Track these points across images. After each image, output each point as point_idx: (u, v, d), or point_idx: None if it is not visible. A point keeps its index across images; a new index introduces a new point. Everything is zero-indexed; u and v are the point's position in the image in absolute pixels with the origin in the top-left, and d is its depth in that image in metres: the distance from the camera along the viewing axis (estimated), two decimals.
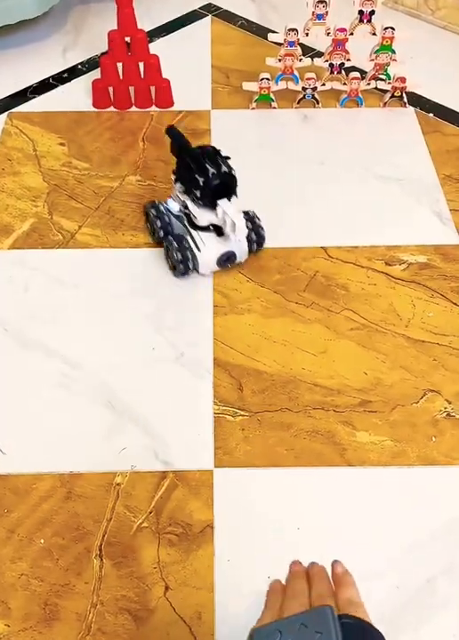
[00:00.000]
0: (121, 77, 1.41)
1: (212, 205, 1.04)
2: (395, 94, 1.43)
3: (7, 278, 1.13)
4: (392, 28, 1.33)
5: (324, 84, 1.42)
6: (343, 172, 1.32)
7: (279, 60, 1.38)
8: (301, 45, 1.39)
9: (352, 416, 0.95)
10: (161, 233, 1.13)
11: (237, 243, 1.07)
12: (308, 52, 1.50)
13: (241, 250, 1.10)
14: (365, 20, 1.32)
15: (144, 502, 0.86)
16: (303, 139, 1.38)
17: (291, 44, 1.35)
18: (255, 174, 1.31)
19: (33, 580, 0.80)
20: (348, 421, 0.95)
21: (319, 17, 1.31)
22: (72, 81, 1.53)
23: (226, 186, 1.03)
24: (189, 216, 1.08)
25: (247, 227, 1.10)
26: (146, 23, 1.67)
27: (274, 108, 1.45)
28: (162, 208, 1.13)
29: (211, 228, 1.07)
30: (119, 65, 1.40)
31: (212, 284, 1.12)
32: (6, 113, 1.44)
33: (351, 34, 1.34)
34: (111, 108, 1.45)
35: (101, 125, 1.42)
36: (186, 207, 1.07)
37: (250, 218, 1.12)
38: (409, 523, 0.85)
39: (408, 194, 1.27)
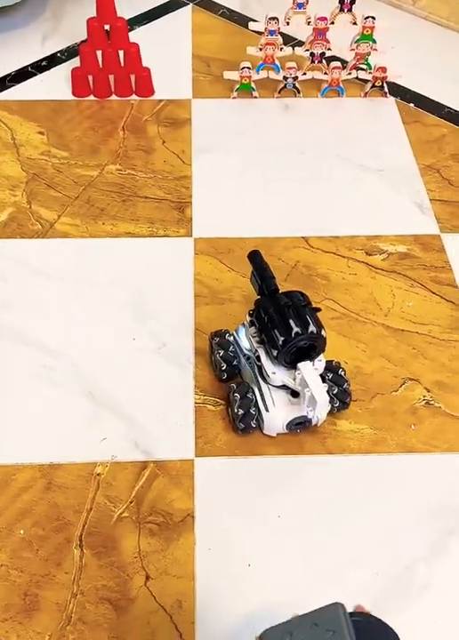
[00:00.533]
0: (101, 66, 1.40)
1: (291, 365, 0.84)
2: (376, 84, 1.43)
3: None
4: (373, 18, 1.32)
5: (305, 74, 1.42)
6: (324, 162, 1.32)
7: (260, 49, 1.38)
8: (283, 34, 1.38)
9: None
10: (224, 375, 0.94)
11: (317, 416, 0.87)
12: (289, 41, 1.49)
13: (318, 416, 0.89)
14: (345, 10, 1.32)
15: (125, 492, 0.86)
16: (284, 128, 1.38)
17: (271, 32, 1.35)
18: (236, 163, 1.31)
19: (13, 571, 0.80)
20: (329, 410, 0.95)
21: (300, 6, 1.31)
22: (51, 69, 1.51)
23: (311, 347, 0.84)
24: (261, 368, 0.89)
25: (330, 381, 0.90)
26: (126, 11, 1.65)
27: (255, 97, 1.45)
28: (231, 348, 0.94)
29: (284, 386, 0.88)
30: (99, 53, 1.38)
31: (192, 273, 1.11)
32: None
33: (332, 23, 1.33)
34: (91, 97, 1.44)
35: (81, 114, 1.40)
36: (259, 358, 0.88)
37: (334, 372, 0.92)
38: (389, 510, 0.85)
39: (389, 184, 1.28)
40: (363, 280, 1.11)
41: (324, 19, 1.32)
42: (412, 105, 1.45)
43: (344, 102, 1.45)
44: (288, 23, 1.34)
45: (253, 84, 1.43)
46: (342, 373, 0.92)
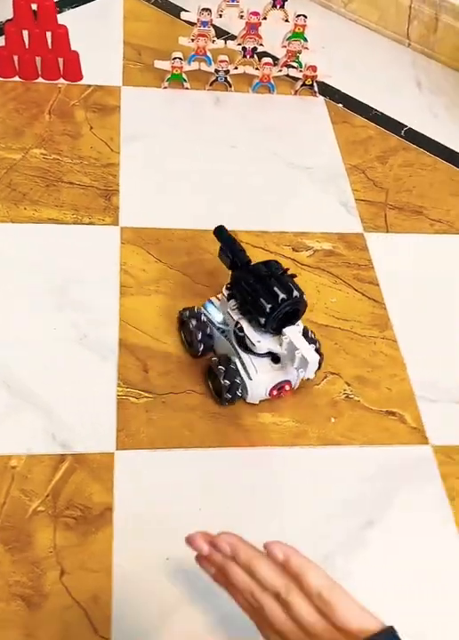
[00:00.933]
0: (27, 47, 1.35)
1: (276, 332, 0.88)
2: (306, 83, 1.45)
3: None
4: (305, 16, 1.34)
5: (236, 68, 1.42)
6: (254, 157, 1.33)
7: (192, 40, 1.37)
8: (215, 27, 1.38)
9: None
10: (201, 347, 0.97)
11: (301, 375, 0.88)
12: (222, 34, 1.49)
13: (297, 378, 0.93)
14: (278, 6, 1.32)
15: (41, 486, 0.83)
16: (215, 121, 1.38)
17: (204, 24, 1.34)
18: (166, 154, 1.30)
19: None
20: (252, 403, 0.95)
21: None
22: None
23: (295, 312, 0.87)
24: (242, 338, 0.91)
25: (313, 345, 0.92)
26: None
27: (186, 88, 1.43)
28: (203, 318, 0.97)
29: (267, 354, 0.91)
30: (25, 33, 1.33)
31: (118, 262, 1.09)
32: None
33: (264, 18, 1.34)
34: (16, 78, 1.39)
35: (5, 95, 1.35)
36: (241, 329, 0.90)
37: (305, 335, 0.92)
38: (309, 501, 0.86)
39: (316, 182, 1.29)
40: None
41: (256, 13, 1.32)
42: (341, 105, 1.47)
43: (275, 99, 1.46)
44: (221, 16, 1.33)
45: (184, 75, 1.42)
46: (313, 335, 0.96)
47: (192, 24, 1.37)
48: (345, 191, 1.28)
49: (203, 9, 1.32)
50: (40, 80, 1.39)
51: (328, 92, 1.49)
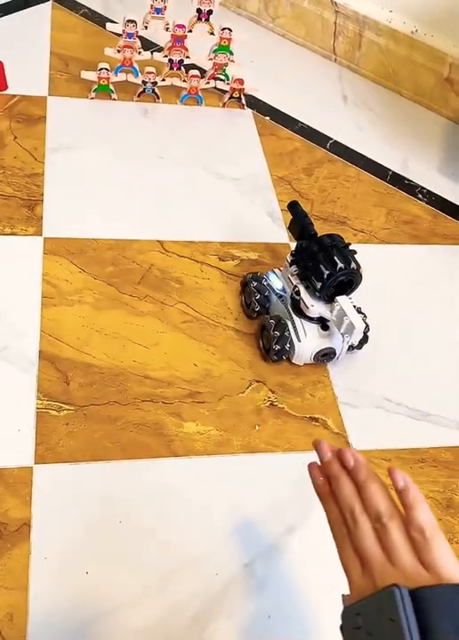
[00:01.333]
0: None
1: (329, 299, 0.97)
2: (234, 95, 1.46)
3: None
4: (229, 30, 1.35)
5: (164, 80, 1.42)
6: (182, 169, 1.33)
7: (118, 51, 1.36)
8: (143, 39, 1.38)
9: (181, 407, 0.96)
10: (257, 307, 1.05)
11: (342, 341, 0.98)
12: (150, 46, 1.49)
13: (342, 347, 1.01)
14: (203, 19, 1.33)
15: None
16: (143, 132, 1.37)
17: (130, 35, 1.34)
18: (92, 164, 1.29)
19: None
20: (176, 412, 0.95)
21: (158, 11, 1.31)
22: None
23: (349, 283, 0.96)
24: (297, 302, 1.00)
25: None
26: None
27: (114, 99, 1.43)
28: (264, 283, 1.06)
29: (317, 319, 1.00)
30: None
31: (40, 273, 1.07)
32: None
33: (190, 31, 1.35)
34: None
35: None
36: (298, 293, 0.99)
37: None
38: (231, 510, 0.87)
39: (243, 193, 1.31)
40: (215, 285, 1.13)
41: (182, 26, 1.33)
42: (267, 118, 1.49)
43: (203, 111, 1.47)
44: (146, 27, 1.33)
45: (111, 86, 1.41)
46: (360, 310, 1.04)
47: (118, 35, 1.37)
48: (271, 202, 1.30)
49: (128, 20, 1.32)
50: None
51: (256, 104, 1.51)
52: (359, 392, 1.02)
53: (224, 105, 1.47)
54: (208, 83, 1.45)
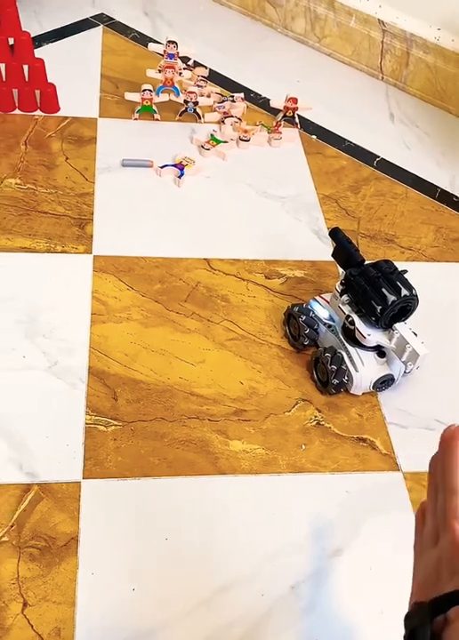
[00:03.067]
0: (4, 79, 1.37)
1: (387, 327, 0.95)
2: (287, 114, 1.46)
3: None
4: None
5: (209, 96, 1.44)
6: (228, 187, 1.34)
7: (160, 71, 1.39)
8: (184, 59, 1.41)
9: (227, 425, 0.96)
10: (306, 341, 1.03)
11: (401, 367, 0.97)
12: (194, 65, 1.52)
13: (400, 373, 0.99)
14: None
15: (5, 516, 0.82)
16: (188, 152, 1.39)
17: (170, 56, 1.36)
18: (140, 183, 1.31)
19: None
20: (222, 430, 0.95)
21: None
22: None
23: (405, 309, 0.94)
24: (352, 331, 0.98)
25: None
26: (35, 27, 1.64)
27: (157, 119, 1.45)
28: (312, 315, 1.03)
29: (372, 347, 0.98)
30: (2, 66, 1.35)
31: (90, 290, 1.09)
32: None
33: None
34: None
35: None
36: (352, 322, 0.97)
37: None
38: (276, 529, 0.86)
39: (289, 211, 1.31)
40: (261, 303, 1.13)
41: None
42: (314, 137, 1.49)
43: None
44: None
45: (154, 106, 1.43)
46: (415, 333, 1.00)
47: (160, 55, 1.40)
48: (318, 220, 1.30)
49: (169, 41, 1.35)
50: (17, 111, 1.41)
51: (302, 123, 1.52)
52: (409, 413, 1.00)
53: (278, 125, 1.46)
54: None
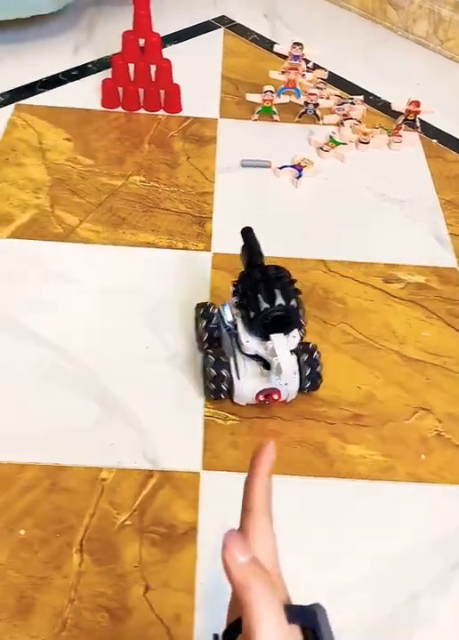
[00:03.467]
0: (132, 79, 1.42)
1: (263, 336, 0.88)
2: (408, 118, 1.43)
3: (4, 267, 1.12)
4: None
5: (328, 98, 1.43)
6: (346, 189, 1.33)
7: (283, 73, 1.40)
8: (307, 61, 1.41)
9: (344, 428, 0.95)
10: (205, 345, 0.98)
11: (283, 385, 0.91)
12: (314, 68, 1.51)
13: (289, 390, 0.93)
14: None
15: (129, 500, 0.85)
16: (307, 153, 1.38)
17: (295, 57, 1.37)
18: (258, 184, 1.32)
19: (10, 571, 0.78)
20: (339, 433, 0.94)
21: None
22: (82, 79, 1.53)
23: (283, 319, 0.86)
24: (237, 336, 0.91)
25: (303, 362, 0.93)
26: (159, 29, 1.68)
27: (276, 120, 1.46)
28: (215, 312, 0.98)
29: (257, 357, 0.91)
30: (131, 66, 1.40)
31: (209, 287, 1.12)
32: (14, 104, 1.44)
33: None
34: (119, 109, 1.45)
35: (108, 124, 1.42)
36: (235, 326, 0.91)
37: (309, 354, 0.94)
38: (395, 537, 0.84)
39: (409, 215, 1.28)
40: (379, 307, 1.11)
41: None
42: (435, 141, 1.46)
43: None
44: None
45: (274, 108, 1.44)
46: (317, 356, 0.95)
47: (284, 57, 1.41)
48: (439, 225, 1.26)
49: (294, 43, 1.36)
50: (141, 111, 1.45)
51: (422, 127, 1.48)
52: None
53: (398, 128, 1.43)
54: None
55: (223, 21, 1.77)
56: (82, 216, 1.21)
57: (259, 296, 0.85)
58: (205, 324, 0.98)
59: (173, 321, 1.06)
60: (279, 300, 0.84)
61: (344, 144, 1.40)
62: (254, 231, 0.96)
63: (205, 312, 0.99)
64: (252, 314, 0.86)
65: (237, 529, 0.42)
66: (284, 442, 0.93)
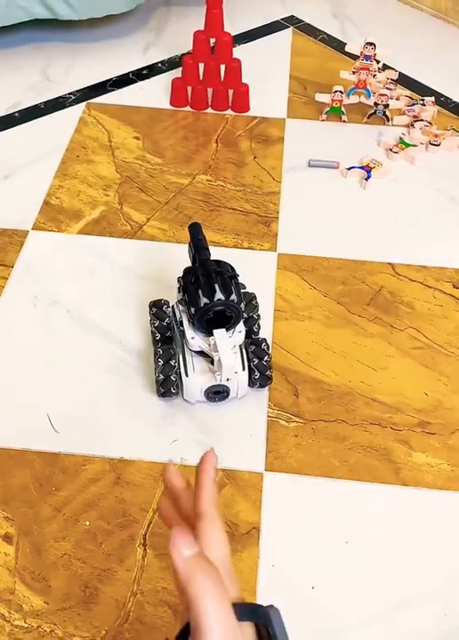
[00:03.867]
0: (201, 78, 1.43)
1: (206, 332, 0.87)
2: None
3: (73, 262, 1.14)
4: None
5: (398, 99, 1.41)
6: (415, 191, 1.30)
7: (354, 73, 1.38)
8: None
9: (410, 435, 0.93)
10: (158, 345, 0.96)
11: (224, 381, 0.89)
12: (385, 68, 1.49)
13: (238, 386, 0.92)
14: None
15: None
16: (375, 155, 1.36)
17: (367, 57, 1.34)
18: (325, 185, 1.31)
19: (75, 561, 0.80)
20: (405, 440, 0.92)
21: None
22: (151, 78, 1.55)
23: (224, 315, 0.85)
24: (183, 333, 0.90)
25: (253, 354, 0.93)
26: (228, 29, 1.69)
27: (344, 121, 1.44)
28: (168, 311, 0.98)
29: (204, 354, 0.90)
30: (201, 66, 1.41)
31: (274, 287, 1.11)
32: (85, 102, 1.47)
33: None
34: (187, 108, 1.46)
35: (176, 123, 1.43)
36: (181, 323, 0.90)
37: (257, 345, 0.94)
38: None
39: None
40: (449, 313, 1.08)
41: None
42: None
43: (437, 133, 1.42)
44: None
45: (343, 108, 1.42)
46: (265, 348, 0.94)
47: (355, 57, 1.39)
48: None
49: (367, 43, 1.34)
50: (209, 110, 1.46)
51: None
52: None
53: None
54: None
55: (292, 21, 1.76)
56: (149, 214, 1.22)
57: (199, 291, 0.84)
58: (157, 324, 0.97)
59: None
60: (219, 295, 0.84)
61: (414, 146, 1.37)
62: (201, 226, 0.95)
63: (158, 311, 0.98)
64: (192, 309, 0.85)
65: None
66: (348, 447, 0.91)
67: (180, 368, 0.92)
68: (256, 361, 0.93)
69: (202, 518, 0.44)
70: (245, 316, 0.96)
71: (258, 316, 1.00)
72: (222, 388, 0.91)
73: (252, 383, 0.94)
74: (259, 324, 1.00)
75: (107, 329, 1.04)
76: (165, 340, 0.97)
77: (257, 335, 1.00)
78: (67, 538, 0.81)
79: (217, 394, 0.92)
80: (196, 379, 0.90)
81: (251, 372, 0.92)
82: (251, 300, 1.00)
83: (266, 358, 0.93)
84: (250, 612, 0.40)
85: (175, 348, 0.94)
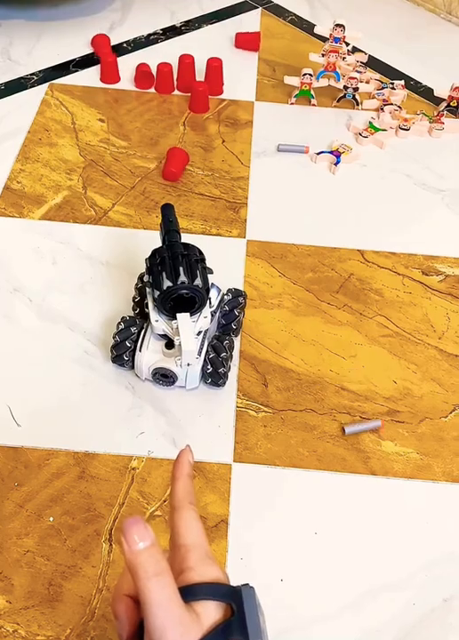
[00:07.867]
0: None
1: (170, 315, 0.86)
2: (451, 104, 1.39)
3: (35, 249, 1.11)
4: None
5: (368, 82, 1.39)
6: (384, 177, 1.29)
7: (323, 55, 1.36)
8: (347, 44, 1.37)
9: None
10: (136, 310, 0.98)
11: (183, 367, 0.88)
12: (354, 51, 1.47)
13: (188, 375, 0.91)
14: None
15: (159, 489, 0.84)
16: (344, 139, 1.35)
17: (336, 39, 1.32)
18: (294, 170, 1.29)
19: (39, 559, 0.78)
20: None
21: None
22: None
23: (189, 299, 0.84)
24: (148, 315, 0.89)
25: (212, 350, 0.91)
26: (195, 9, 1.66)
27: (313, 104, 1.42)
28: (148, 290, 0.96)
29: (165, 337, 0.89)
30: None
31: (243, 275, 1.09)
32: (47, 83, 1.42)
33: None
34: (153, 90, 1.43)
35: (142, 106, 1.39)
36: (147, 305, 0.89)
37: (220, 342, 0.92)
38: (430, 538, 0.82)
39: (450, 205, 1.24)
40: (418, 300, 1.08)
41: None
42: None
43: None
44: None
45: (312, 92, 1.40)
46: (227, 346, 0.92)
47: (324, 40, 1.37)
48: None
49: (336, 25, 1.31)
50: (176, 92, 1.43)
51: None
52: None
53: (439, 114, 1.39)
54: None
55: (261, 1, 1.73)
56: (114, 199, 1.19)
57: (163, 274, 0.83)
58: (137, 300, 0.97)
59: None
60: (183, 278, 0.82)
61: (384, 130, 1.36)
62: (174, 208, 0.94)
63: (140, 280, 0.98)
64: (156, 292, 0.84)
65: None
66: (317, 436, 0.90)
67: (137, 341, 0.91)
68: (212, 354, 0.91)
69: (178, 509, 0.44)
70: (226, 309, 0.95)
71: (240, 312, 0.97)
72: (169, 372, 0.89)
73: (204, 377, 0.92)
74: (240, 322, 0.97)
75: (70, 318, 1.01)
76: (144, 315, 0.95)
77: (235, 334, 0.98)
78: (30, 534, 0.79)
79: (164, 377, 0.91)
80: (145, 356, 0.90)
81: (204, 363, 0.90)
82: (238, 295, 0.98)
83: (223, 354, 0.91)
84: (212, 591, 0.40)
85: (143, 322, 0.93)
